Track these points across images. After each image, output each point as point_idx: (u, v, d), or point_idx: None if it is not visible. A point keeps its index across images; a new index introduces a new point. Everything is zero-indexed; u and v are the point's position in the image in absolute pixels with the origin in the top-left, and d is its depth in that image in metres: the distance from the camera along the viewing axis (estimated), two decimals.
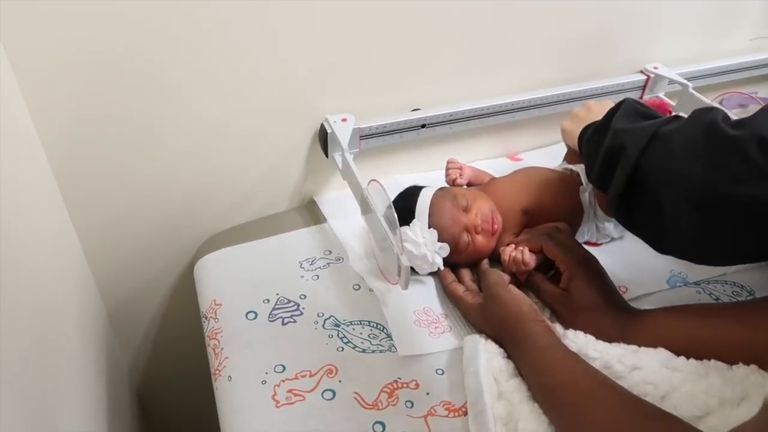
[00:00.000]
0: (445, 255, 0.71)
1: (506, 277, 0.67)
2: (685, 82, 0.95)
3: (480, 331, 0.66)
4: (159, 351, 0.98)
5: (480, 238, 0.72)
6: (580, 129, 0.71)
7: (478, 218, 0.72)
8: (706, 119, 0.53)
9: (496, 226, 0.72)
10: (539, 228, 0.73)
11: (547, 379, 0.55)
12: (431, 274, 0.75)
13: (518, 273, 0.71)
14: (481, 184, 0.83)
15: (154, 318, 0.94)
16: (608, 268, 0.69)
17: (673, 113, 0.61)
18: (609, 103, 0.77)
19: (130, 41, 0.65)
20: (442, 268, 0.72)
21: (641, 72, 0.99)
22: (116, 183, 0.76)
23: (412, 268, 0.72)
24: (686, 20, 1.00)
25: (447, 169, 0.83)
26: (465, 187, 0.82)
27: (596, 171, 0.62)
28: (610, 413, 0.49)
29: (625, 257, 0.77)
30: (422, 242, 0.69)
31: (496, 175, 0.84)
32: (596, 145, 0.63)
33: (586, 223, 0.77)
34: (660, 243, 0.58)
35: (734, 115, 0.82)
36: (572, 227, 0.76)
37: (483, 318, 0.65)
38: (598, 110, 0.75)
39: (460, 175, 0.81)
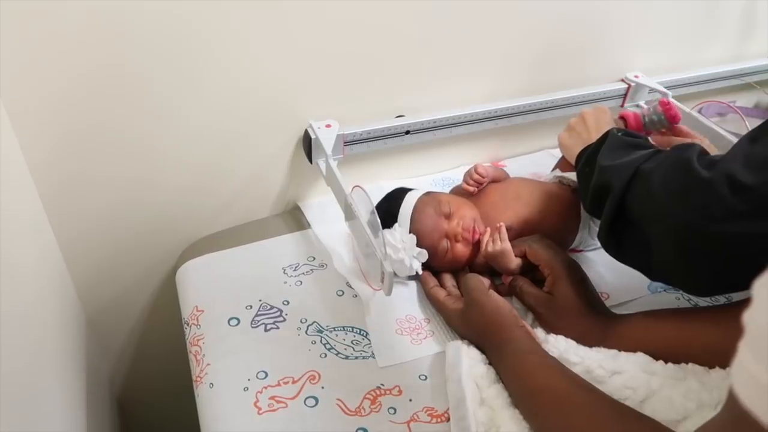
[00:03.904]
0: (423, 260, 0.71)
1: (486, 282, 0.68)
2: (665, 90, 0.97)
3: (462, 337, 0.66)
4: (140, 358, 0.97)
5: (459, 246, 0.72)
6: (576, 142, 0.73)
7: (459, 227, 0.72)
8: (682, 159, 0.55)
9: (476, 235, 0.72)
10: (524, 238, 0.73)
11: (526, 383, 0.56)
12: (414, 278, 0.75)
13: (503, 278, 0.71)
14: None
15: (135, 325, 0.93)
16: (590, 275, 0.70)
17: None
18: (604, 108, 0.78)
19: (113, 55, 0.65)
20: (420, 272, 0.72)
21: (622, 80, 1.01)
22: (97, 192, 0.75)
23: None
24: (667, 30, 1.02)
25: (469, 175, 0.80)
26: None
27: (588, 203, 0.65)
28: (588, 417, 0.49)
29: (606, 264, 0.78)
30: (401, 247, 0.70)
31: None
32: (587, 176, 0.65)
33: (581, 230, 0.78)
34: (648, 273, 0.60)
35: (713, 125, 0.83)
36: (563, 243, 0.76)
37: (464, 323, 0.66)
38: (591, 120, 0.75)
39: (477, 189, 0.79)
